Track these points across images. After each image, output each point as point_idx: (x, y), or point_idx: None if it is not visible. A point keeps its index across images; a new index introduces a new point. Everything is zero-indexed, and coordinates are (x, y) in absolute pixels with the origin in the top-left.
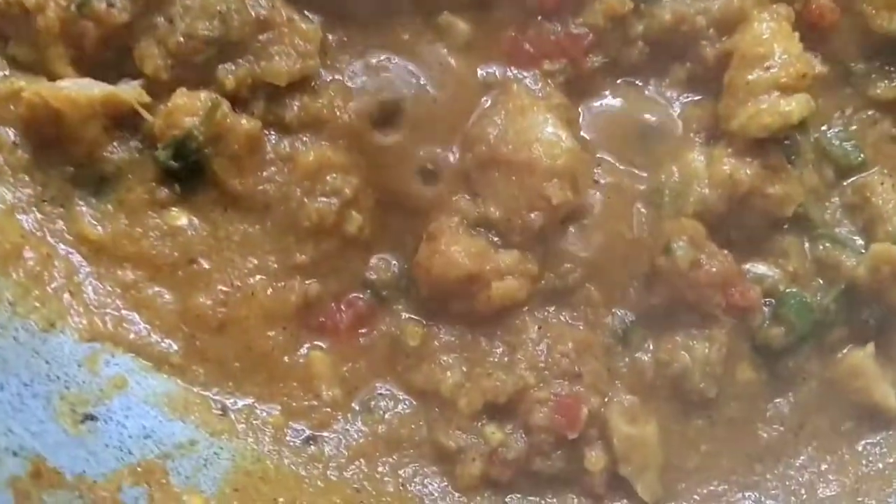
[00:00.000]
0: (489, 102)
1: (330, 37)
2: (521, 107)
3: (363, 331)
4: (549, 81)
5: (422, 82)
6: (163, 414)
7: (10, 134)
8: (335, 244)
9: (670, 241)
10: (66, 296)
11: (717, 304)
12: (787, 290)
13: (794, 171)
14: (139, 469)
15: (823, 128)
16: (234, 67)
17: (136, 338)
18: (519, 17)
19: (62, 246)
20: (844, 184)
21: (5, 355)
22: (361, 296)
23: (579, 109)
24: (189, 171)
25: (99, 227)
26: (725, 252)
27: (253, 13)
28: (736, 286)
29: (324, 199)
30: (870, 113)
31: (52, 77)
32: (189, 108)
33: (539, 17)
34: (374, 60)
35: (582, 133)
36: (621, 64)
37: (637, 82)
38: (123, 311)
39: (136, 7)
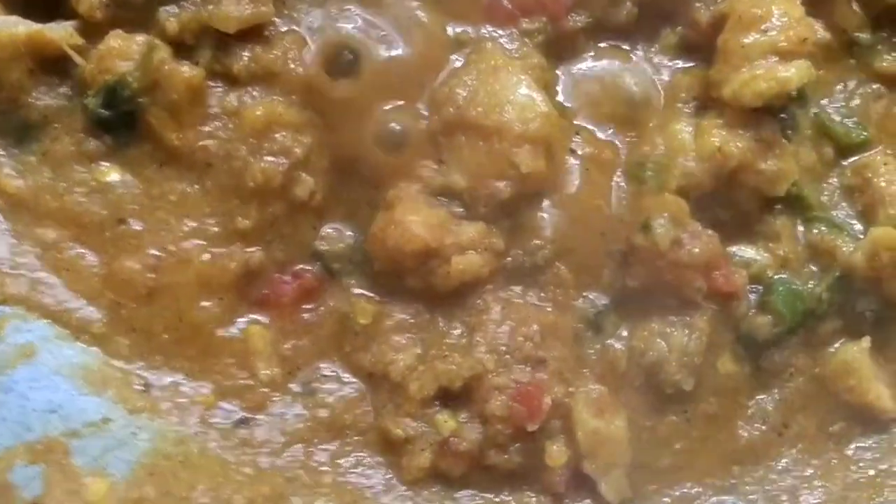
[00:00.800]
0: (460, 61)
1: None
2: (495, 67)
3: (309, 306)
4: (527, 41)
5: (387, 36)
6: (76, 388)
7: None
8: (283, 209)
9: (650, 217)
10: None
11: (698, 289)
12: (776, 277)
13: (789, 146)
14: (38, 447)
15: (824, 102)
16: (177, 10)
17: (54, 303)
18: None
19: None
20: (844, 163)
21: None
22: (309, 267)
23: (558, 72)
24: (122, 122)
25: (20, 180)
26: (710, 232)
27: None
28: (720, 269)
29: (271, 158)
30: (874, 87)
31: None
32: (123, 51)
33: None
34: (335, 9)
35: (560, 98)
36: (607, 25)
37: (623, 46)
38: (41, 273)
39: None
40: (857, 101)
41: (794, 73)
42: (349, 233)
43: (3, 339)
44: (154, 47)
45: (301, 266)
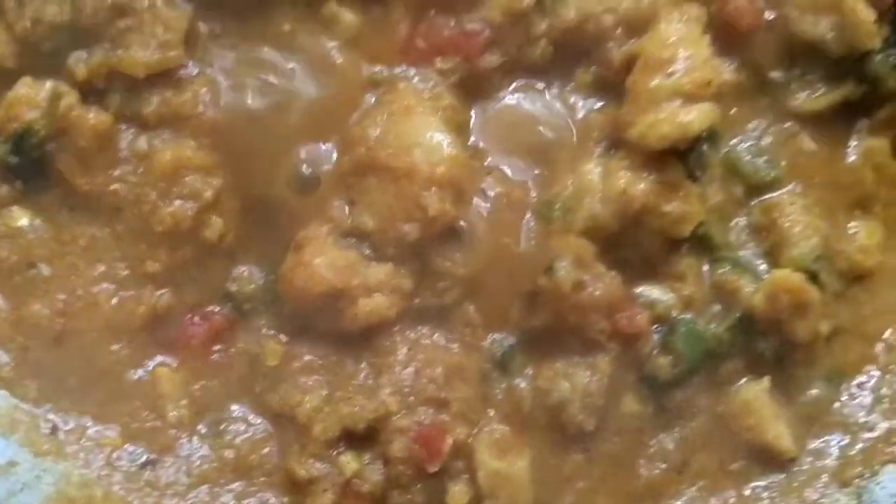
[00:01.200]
0: (373, 101)
1: (202, 26)
2: (406, 108)
3: (218, 347)
4: (441, 80)
5: (301, 77)
6: None
7: None
8: (193, 252)
9: (554, 259)
10: None
11: (601, 330)
12: (680, 317)
13: (696, 187)
14: None
15: (735, 140)
16: (86, 55)
17: None
18: (411, 9)
19: None
20: (753, 202)
21: None
22: (220, 308)
23: (472, 112)
24: (31, 168)
25: None
26: (613, 274)
27: None
28: (623, 311)
29: (180, 201)
30: (787, 125)
31: None
32: (31, 99)
33: (433, 11)
34: (249, 53)
35: (473, 138)
36: (521, 64)
37: (538, 85)
38: None
39: None
40: (768, 140)
41: (695, 117)
42: (260, 273)
43: None
44: (60, 95)
45: (211, 307)
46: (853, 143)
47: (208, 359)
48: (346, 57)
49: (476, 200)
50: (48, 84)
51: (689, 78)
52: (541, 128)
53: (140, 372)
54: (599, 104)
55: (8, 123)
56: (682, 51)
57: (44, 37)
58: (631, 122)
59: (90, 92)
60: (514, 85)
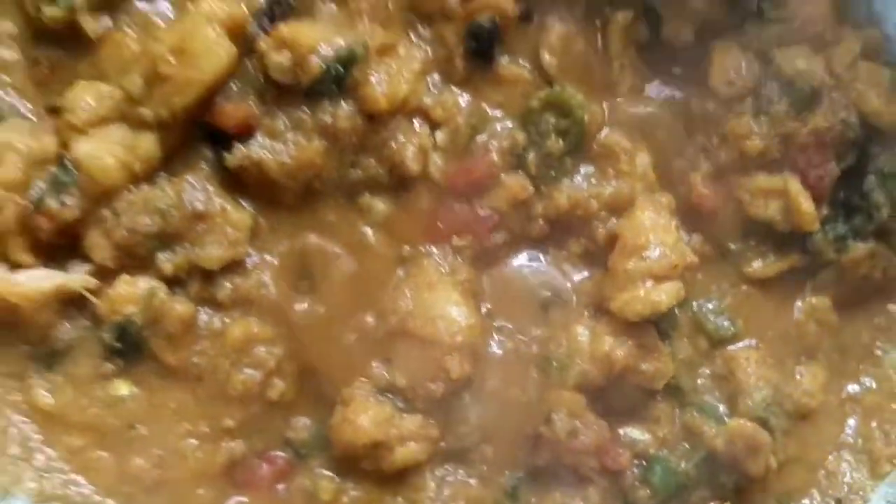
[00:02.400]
0: (403, 274)
1: (261, 221)
2: (430, 283)
3: (282, 485)
4: (458, 256)
5: (344, 258)
6: None
7: None
8: (259, 408)
9: (552, 411)
10: (21, 464)
11: (591, 468)
12: (656, 455)
13: (667, 346)
14: None
15: (701, 301)
16: (172, 255)
17: (82, 499)
18: (432, 198)
19: (17, 416)
20: (716, 354)
21: None
22: (282, 453)
23: (483, 279)
24: (130, 349)
25: (50, 398)
26: (602, 422)
27: (190, 207)
28: (608, 452)
29: (249, 370)
30: (744, 288)
31: (11, 262)
32: (130, 296)
33: (450, 199)
34: (300, 240)
35: (485, 302)
36: (523, 238)
37: (538, 254)
38: (71, 475)
39: (86, 203)
40: (728, 301)
41: (664, 298)
42: (314, 423)
43: None
44: (154, 293)
45: (275, 452)
46: (799, 302)
47: (275, 496)
48: (379, 239)
49: (489, 354)
50: (142, 282)
51: (659, 263)
52: (541, 291)
53: None
54: (588, 272)
55: (112, 316)
56: (653, 237)
57: (137, 242)
58: (611, 296)
59: (174, 282)
60: (518, 256)
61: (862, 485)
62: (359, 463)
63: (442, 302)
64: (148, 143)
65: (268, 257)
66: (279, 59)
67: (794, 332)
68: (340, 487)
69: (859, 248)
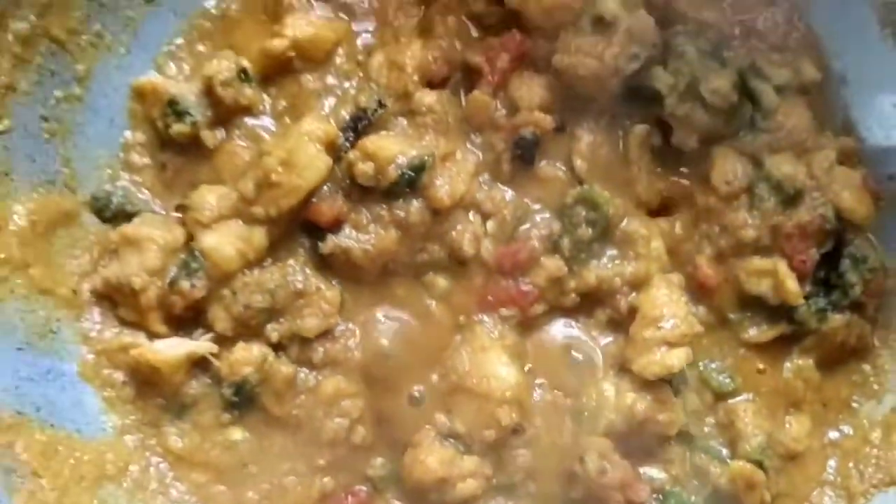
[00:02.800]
0: (460, 340)
1: (346, 296)
2: (482, 347)
3: None
4: (505, 324)
5: (411, 325)
6: None
7: (121, 376)
8: (345, 451)
9: (584, 453)
10: (160, 498)
11: (617, 500)
12: (671, 490)
13: (678, 400)
14: None
15: (706, 361)
16: (278, 326)
17: None
18: (483, 276)
19: (154, 457)
20: (719, 406)
21: None
22: (363, 487)
23: (526, 343)
24: (244, 403)
25: (180, 442)
26: (626, 463)
27: (292, 287)
28: (632, 487)
29: (338, 419)
30: (742, 351)
31: (149, 332)
32: (246, 360)
33: (498, 277)
34: (378, 312)
35: (528, 362)
36: (558, 308)
37: (571, 322)
38: None
39: (211, 284)
40: (728, 361)
41: (676, 361)
42: (389, 462)
43: None
44: (265, 358)
45: (357, 486)
46: (787, 363)
47: None
48: (440, 309)
49: (532, 406)
50: (255, 349)
51: (672, 333)
52: (573, 353)
53: None
54: (612, 337)
55: (231, 376)
56: (667, 310)
57: (251, 316)
58: (632, 359)
59: (278, 347)
60: (554, 323)
61: None
62: (427, 495)
63: (494, 363)
64: (259, 236)
65: (351, 325)
66: (364, 167)
67: (783, 387)
68: None
69: (837, 319)
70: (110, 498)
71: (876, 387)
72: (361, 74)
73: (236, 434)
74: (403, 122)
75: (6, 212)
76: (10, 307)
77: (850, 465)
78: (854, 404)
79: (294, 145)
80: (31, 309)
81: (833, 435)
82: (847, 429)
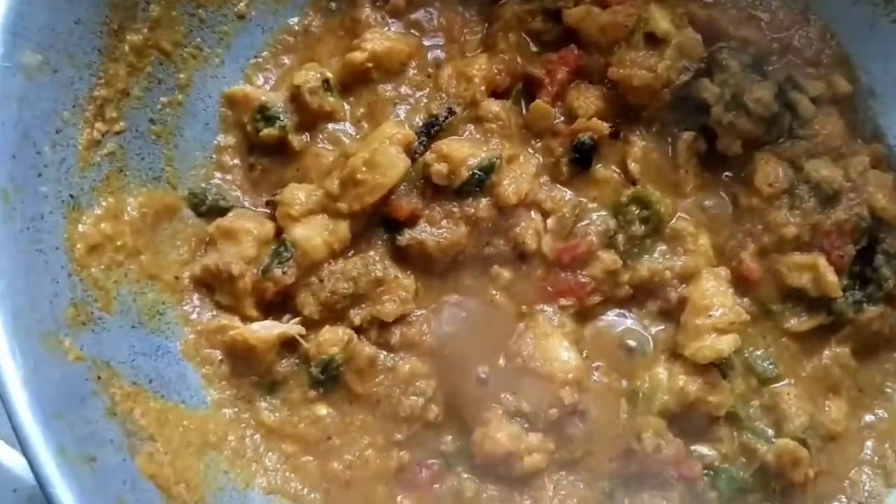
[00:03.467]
0: (524, 327)
1: (419, 285)
2: (545, 333)
3: (436, 486)
4: (564, 313)
5: (478, 313)
6: None
7: (217, 354)
8: (420, 427)
9: (641, 432)
10: (254, 465)
11: (671, 475)
12: (720, 466)
13: (727, 383)
14: None
15: (752, 349)
16: (360, 310)
17: (295, 491)
18: (544, 269)
19: (248, 430)
20: (763, 390)
21: None
22: (435, 461)
23: (584, 331)
24: (330, 381)
25: (271, 416)
26: (679, 441)
27: (373, 275)
28: (685, 463)
29: (414, 397)
30: (783, 340)
31: (243, 315)
32: (332, 341)
33: (557, 270)
34: (448, 299)
35: (585, 349)
36: (613, 299)
37: (624, 312)
38: (287, 473)
39: (299, 272)
40: (772, 349)
41: (725, 346)
42: (460, 439)
43: None
44: (350, 339)
45: (431, 461)
46: (826, 351)
47: (431, 493)
48: (504, 299)
49: (590, 388)
50: (341, 330)
51: (721, 320)
52: (627, 340)
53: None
54: (663, 326)
55: (319, 356)
56: (715, 300)
57: (336, 301)
58: (685, 345)
59: (359, 330)
60: (609, 313)
61: (878, 492)
62: (495, 469)
63: (556, 348)
64: (343, 229)
65: (425, 312)
66: (439, 168)
67: (822, 374)
68: (480, 488)
69: (872, 311)
70: (213, 463)
71: None
72: (432, 85)
73: (322, 410)
74: (471, 127)
75: (122, 204)
76: (125, 289)
77: (886, 445)
78: (888, 390)
79: (377, 147)
80: (141, 292)
81: (869, 418)
82: (882, 412)
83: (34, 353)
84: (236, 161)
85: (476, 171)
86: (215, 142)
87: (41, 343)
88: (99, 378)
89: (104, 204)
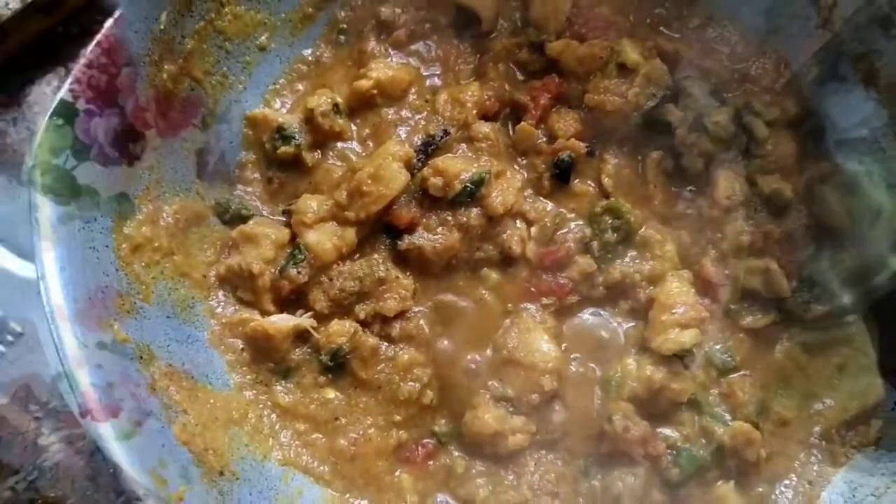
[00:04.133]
0: (509, 323)
1: (417, 284)
2: (528, 328)
3: (430, 463)
4: (545, 311)
5: (468, 309)
6: None
7: (240, 343)
8: (416, 410)
9: (612, 415)
10: (271, 440)
11: (639, 454)
12: (682, 446)
13: (688, 373)
14: None
15: (711, 343)
16: (365, 306)
17: (306, 464)
18: (528, 272)
19: (266, 410)
20: (722, 380)
21: (248, 476)
22: (430, 441)
23: (563, 326)
24: (336, 367)
25: (286, 398)
26: (645, 422)
27: (376, 276)
28: (650, 443)
29: (411, 383)
30: (740, 335)
31: (262, 310)
32: (340, 332)
33: (540, 273)
34: (442, 298)
35: (564, 342)
36: (589, 299)
37: (599, 310)
38: (299, 448)
39: (312, 272)
40: (729, 344)
41: (687, 340)
42: (452, 420)
43: (289, 484)
44: (356, 331)
45: (426, 440)
46: (778, 346)
47: (426, 470)
48: (492, 298)
49: (568, 376)
50: (348, 323)
51: (684, 317)
52: (601, 334)
53: (392, 477)
54: (633, 323)
55: (328, 345)
56: (679, 300)
57: (344, 298)
58: (652, 339)
59: (364, 323)
60: (585, 311)
61: (826, 472)
62: (483, 448)
63: (537, 341)
64: (350, 235)
65: (422, 309)
66: (435, 181)
67: (775, 366)
68: (470, 464)
69: (819, 310)
70: (236, 437)
71: (853, 367)
72: (429, 109)
73: (330, 393)
74: (464, 146)
75: (159, 210)
76: (161, 284)
77: (833, 431)
78: (835, 381)
79: (380, 163)
80: (175, 287)
81: (817, 406)
82: (829, 401)
83: (92, 334)
84: (256, 175)
85: (468, 184)
86: (238, 158)
87: (98, 326)
88: (142, 358)
89: (145, 210)
